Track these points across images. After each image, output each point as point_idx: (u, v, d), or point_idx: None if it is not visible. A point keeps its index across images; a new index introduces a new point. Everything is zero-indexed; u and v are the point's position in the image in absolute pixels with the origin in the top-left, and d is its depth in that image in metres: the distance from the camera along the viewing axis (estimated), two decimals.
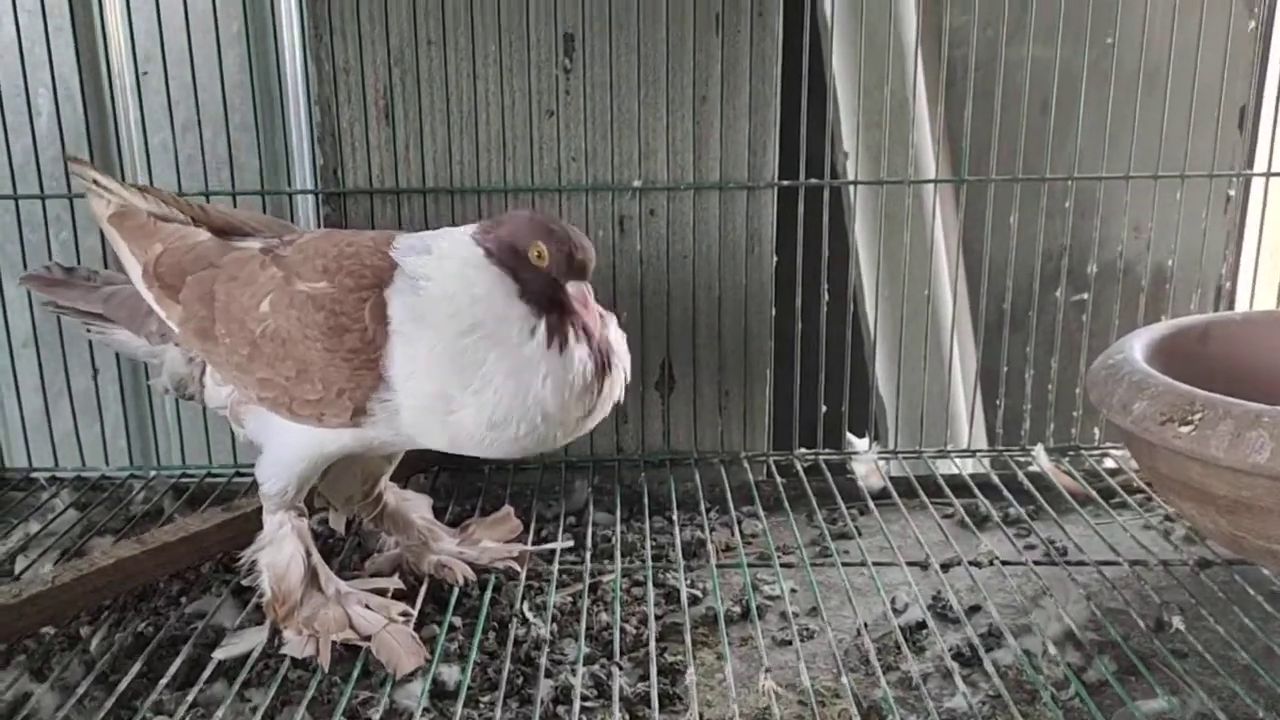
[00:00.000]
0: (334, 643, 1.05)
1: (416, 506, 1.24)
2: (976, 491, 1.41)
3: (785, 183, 1.41)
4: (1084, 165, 1.42)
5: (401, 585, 1.17)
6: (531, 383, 0.96)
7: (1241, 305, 1.49)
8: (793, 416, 1.48)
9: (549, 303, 0.98)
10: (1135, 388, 1.15)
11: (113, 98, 1.39)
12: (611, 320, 1.04)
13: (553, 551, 1.26)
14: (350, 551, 1.28)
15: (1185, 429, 1.08)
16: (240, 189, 1.40)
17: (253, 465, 1.09)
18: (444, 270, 1.00)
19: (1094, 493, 1.39)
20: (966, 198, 1.48)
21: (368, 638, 1.06)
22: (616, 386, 1.03)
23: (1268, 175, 1.45)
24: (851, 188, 1.51)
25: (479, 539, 1.24)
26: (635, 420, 1.49)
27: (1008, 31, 1.42)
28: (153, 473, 1.48)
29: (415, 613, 1.12)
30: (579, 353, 0.98)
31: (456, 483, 1.47)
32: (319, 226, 1.40)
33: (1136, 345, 1.26)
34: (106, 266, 1.31)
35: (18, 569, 1.23)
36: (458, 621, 1.14)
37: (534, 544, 1.28)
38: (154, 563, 1.16)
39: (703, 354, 1.46)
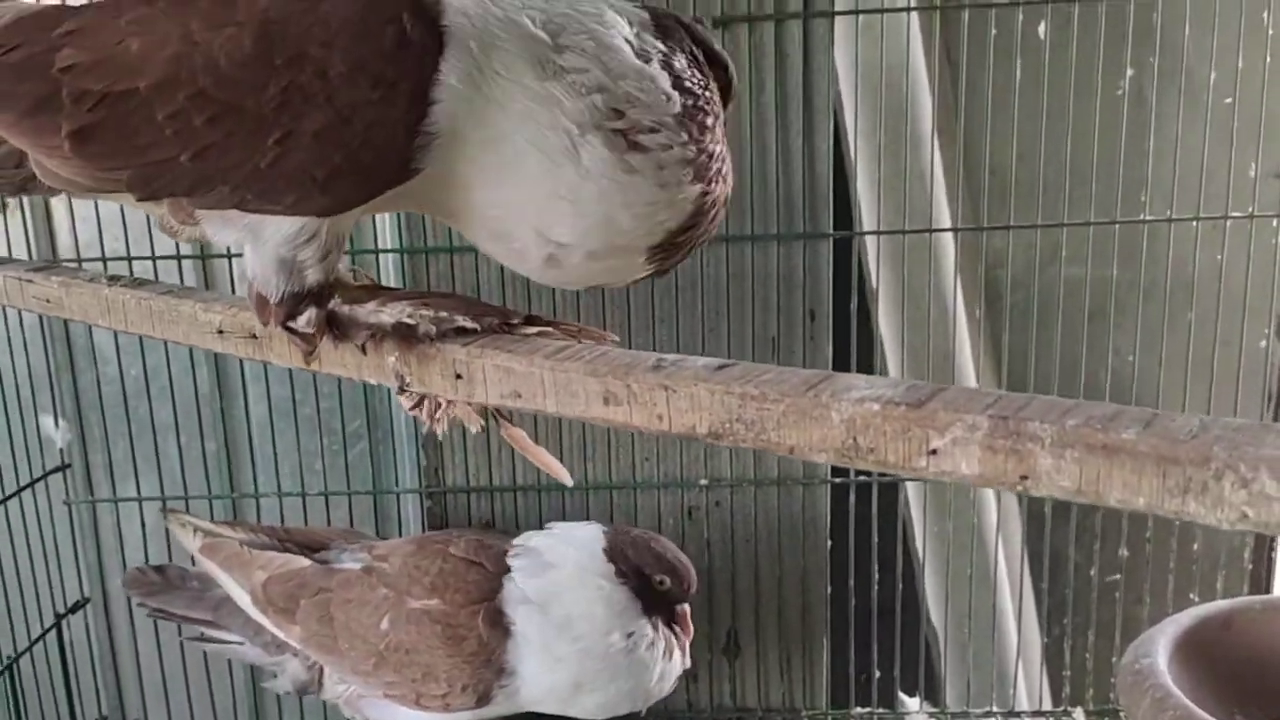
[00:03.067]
0: None
1: None
2: None
3: (837, 480, 1.56)
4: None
5: None
6: (647, 682, 1.28)
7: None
8: (849, 678, 1.62)
9: (664, 618, 1.29)
10: (1157, 706, 1.27)
11: (249, 431, 1.59)
12: None
13: None
14: None
15: None
16: (354, 489, 1.59)
17: None
18: (574, 588, 1.26)
19: None
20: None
21: None
22: None
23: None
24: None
25: None
26: (705, 680, 1.64)
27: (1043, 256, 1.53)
28: None
29: None
30: (678, 659, 1.31)
31: None
32: (423, 519, 1.59)
33: (1161, 643, 1.37)
34: None
35: None
36: None
37: None
38: None
39: (765, 623, 1.61)
